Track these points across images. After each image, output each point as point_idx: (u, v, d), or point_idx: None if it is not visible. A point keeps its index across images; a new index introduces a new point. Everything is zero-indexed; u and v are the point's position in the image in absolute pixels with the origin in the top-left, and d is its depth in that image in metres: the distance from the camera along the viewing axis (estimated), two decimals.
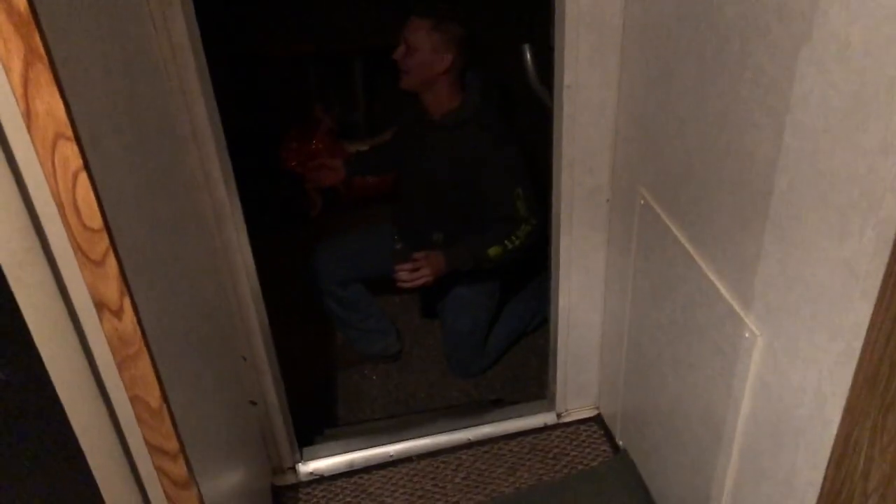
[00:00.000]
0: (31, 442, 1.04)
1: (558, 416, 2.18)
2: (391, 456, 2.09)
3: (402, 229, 2.37)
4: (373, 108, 3.69)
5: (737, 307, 1.23)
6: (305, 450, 2.09)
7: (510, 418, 2.18)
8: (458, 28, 2.09)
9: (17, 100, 0.83)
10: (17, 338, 0.93)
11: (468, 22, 2.12)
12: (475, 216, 2.20)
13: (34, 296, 0.93)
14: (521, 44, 2.04)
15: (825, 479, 1.01)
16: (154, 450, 1.12)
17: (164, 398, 1.08)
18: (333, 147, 3.44)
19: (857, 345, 0.89)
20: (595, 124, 1.68)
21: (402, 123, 2.50)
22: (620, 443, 2.03)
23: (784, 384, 1.13)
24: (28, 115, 0.84)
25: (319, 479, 2.05)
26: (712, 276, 1.31)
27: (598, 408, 2.19)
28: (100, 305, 0.97)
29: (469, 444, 2.12)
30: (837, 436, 0.97)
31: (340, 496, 1.99)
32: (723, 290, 1.27)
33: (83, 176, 0.88)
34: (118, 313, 0.98)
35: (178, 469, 1.15)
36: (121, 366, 1.03)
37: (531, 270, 2.53)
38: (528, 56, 2.04)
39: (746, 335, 1.20)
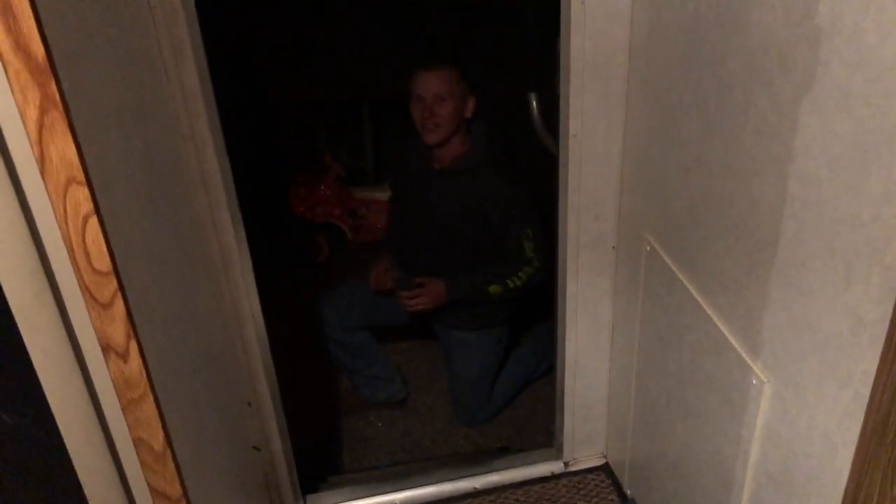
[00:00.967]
0: (34, 485, 1.03)
1: (566, 464, 2.15)
2: None
3: (406, 271, 2.37)
4: (380, 155, 3.73)
5: (744, 354, 1.23)
6: (309, 497, 2.06)
7: (517, 466, 2.15)
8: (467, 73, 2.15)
9: (31, 145, 0.84)
10: (25, 381, 0.94)
11: (476, 70, 2.16)
12: (480, 260, 2.22)
13: (42, 338, 0.93)
14: (528, 92, 2.08)
15: None
16: (157, 494, 1.11)
17: (168, 442, 1.07)
18: (341, 193, 3.48)
19: (866, 392, 0.89)
20: (600, 172, 1.70)
21: (397, 173, 2.49)
22: (628, 492, 2.00)
23: (793, 432, 1.11)
24: (42, 160, 0.85)
25: None
26: (719, 323, 1.30)
27: (605, 456, 2.16)
28: (106, 348, 0.98)
29: (475, 493, 2.09)
30: (847, 486, 0.96)
31: None
32: (730, 337, 1.27)
33: (93, 220, 0.90)
34: (124, 356, 0.99)
35: None
36: (126, 408, 1.03)
37: (538, 316, 2.52)
38: (535, 105, 2.07)
39: (754, 382, 1.19)
